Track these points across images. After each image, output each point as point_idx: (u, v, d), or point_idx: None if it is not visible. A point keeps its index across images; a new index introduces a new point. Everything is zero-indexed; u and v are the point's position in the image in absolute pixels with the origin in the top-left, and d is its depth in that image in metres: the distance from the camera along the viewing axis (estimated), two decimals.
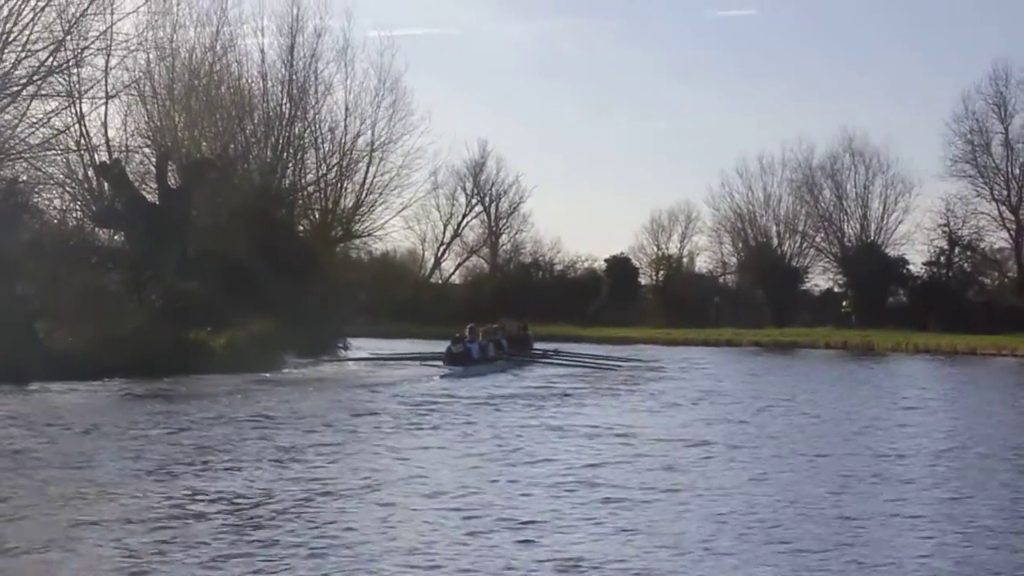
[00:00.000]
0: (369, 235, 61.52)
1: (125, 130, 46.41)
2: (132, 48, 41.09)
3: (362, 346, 49.68)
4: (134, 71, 44.48)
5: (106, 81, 40.81)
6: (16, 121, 36.05)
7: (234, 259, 43.40)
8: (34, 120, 36.69)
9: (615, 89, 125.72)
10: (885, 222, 75.78)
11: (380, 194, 58.66)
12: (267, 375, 34.19)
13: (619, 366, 42.20)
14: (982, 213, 70.99)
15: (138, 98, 46.08)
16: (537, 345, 48.93)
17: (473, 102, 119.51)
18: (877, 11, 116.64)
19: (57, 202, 42.98)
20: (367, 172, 57.80)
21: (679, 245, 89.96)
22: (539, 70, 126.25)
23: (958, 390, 35.46)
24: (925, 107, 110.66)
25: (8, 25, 34.02)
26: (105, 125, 44.30)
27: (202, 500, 13.20)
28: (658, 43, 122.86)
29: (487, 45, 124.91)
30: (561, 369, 40.75)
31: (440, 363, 38.71)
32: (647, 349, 57.38)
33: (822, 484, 15.31)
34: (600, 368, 41.43)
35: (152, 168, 45.86)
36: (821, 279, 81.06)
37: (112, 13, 38.56)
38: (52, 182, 41.11)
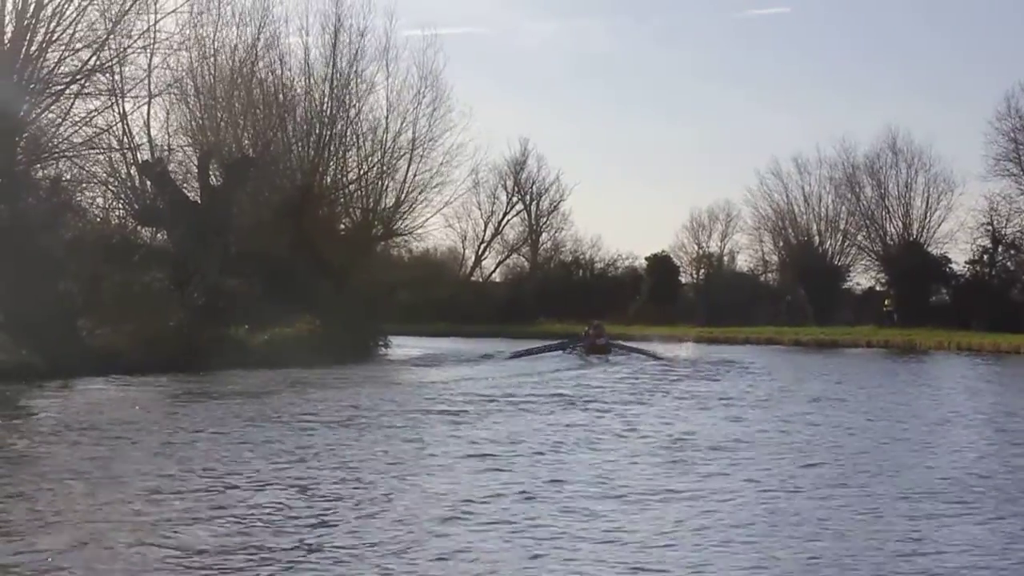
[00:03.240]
0: (410, 233, 61.50)
1: (167, 129, 46.77)
2: (174, 47, 41.29)
3: (403, 344, 49.78)
4: (176, 70, 44.77)
5: (149, 80, 41.11)
6: (59, 120, 36.33)
7: (276, 258, 43.57)
8: (77, 119, 36.95)
9: (652, 87, 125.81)
10: (928, 220, 75.39)
11: (421, 192, 58.61)
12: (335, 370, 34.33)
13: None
14: None
15: (180, 97, 46.34)
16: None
17: (512, 101, 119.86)
18: (914, 7, 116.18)
19: (100, 201, 43.41)
20: (408, 170, 57.79)
21: (719, 244, 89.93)
22: (576, 69, 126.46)
23: None
24: (967, 105, 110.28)
25: (52, 24, 34.25)
26: (148, 124, 44.67)
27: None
28: (693, 42, 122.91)
29: (523, 44, 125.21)
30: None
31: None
32: (695, 348, 57.22)
33: None
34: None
35: (194, 167, 46.08)
36: (863, 278, 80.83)
37: (155, 12, 38.76)
38: (95, 181, 41.46)
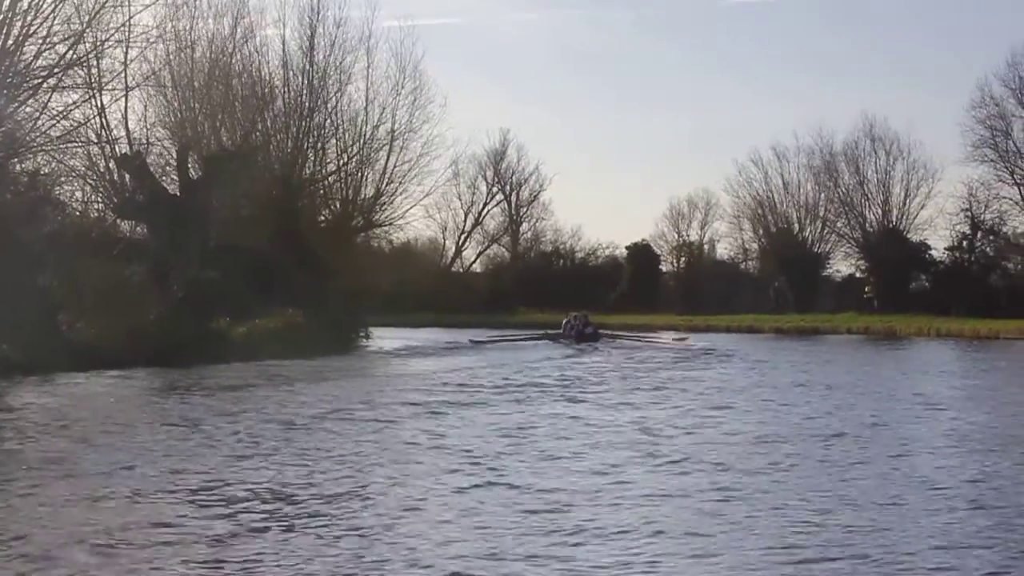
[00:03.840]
0: (390, 224, 61.48)
1: (145, 122, 46.55)
2: (151, 40, 41.11)
3: (384, 336, 49.76)
4: (154, 63, 44.61)
5: (126, 73, 40.89)
6: (37, 114, 36.12)
7: (255, 250, 43.50)
8: (55, 113, 36.75)
9: (632, 77, 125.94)
10: (907, 207, 75.72)
11: (400, 183, 58.61)
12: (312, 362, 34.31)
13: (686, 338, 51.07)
14: (1004, 198, 70.82)
15: (158, 90, 46.18)
16: None
17: (492, 91, 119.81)
18: None
19: (79, 194, 43.21)
20: (387, 161, 57.76)
21: (699, 232, 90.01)
22: (555, 59, 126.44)
23: None
24: (946, 92, 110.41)
25: (29, 18, 34.09)
26: (125, 117, 44.45)
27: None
28: (673, 31, 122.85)
29: (502, 34, 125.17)
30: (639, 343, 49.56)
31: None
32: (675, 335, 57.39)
33: None
34: (663, 347, 48.60)
35: (173, 160, 45.91)
36: (843, 265, 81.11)
37: (130, 5, 38.56)
38: (73, 174, 41.27)
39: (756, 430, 18.94)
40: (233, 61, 51.17)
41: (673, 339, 51.59)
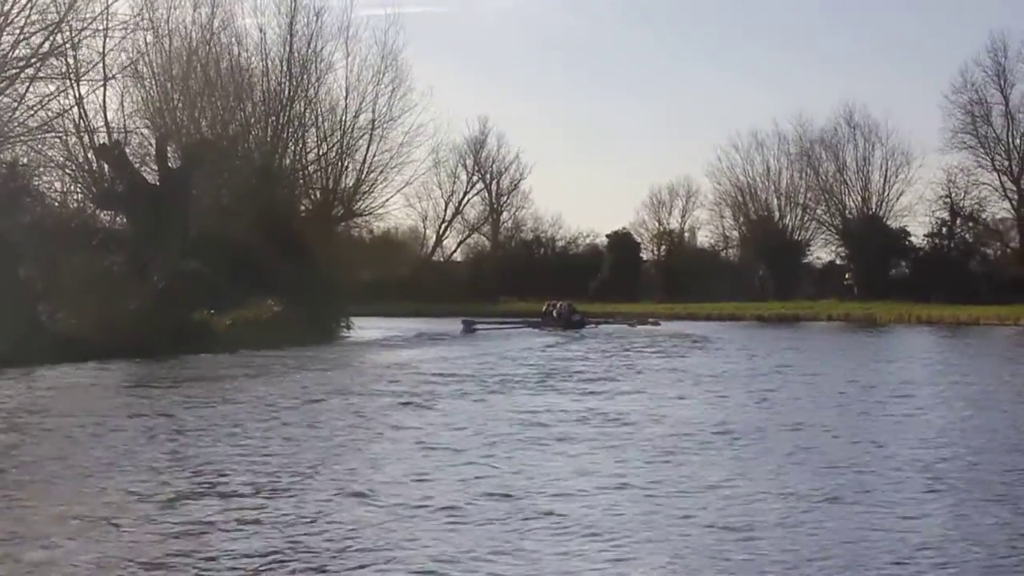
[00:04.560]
0: (370, 213, 61.57)
1: (123, 112, 46.39)
2: (129, 29, 40.95)
3: (365, 325, 49.70)
4: (131, 52, 44.41)
5: (103, 63, 40.71)
6: (15, 104, 35.95)
7: (236, 240, 43.36)
8: (32, 103, 36.60)
9: (612, 63, 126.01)
10: (886, 194, 75.96)
11: (381, 172, 58.71)
12: (299, 352, 34.20)
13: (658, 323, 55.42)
14: (983, 184, 71.11)
15: (136, 79, 46.01)
16: None
17: (471, 80, 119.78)
18: None
19: (58, 185, 43.07)
20: (368, 150, 57.82)
21: (680, 220, 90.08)
22: (533, 47, 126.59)
23: None
24: (925, 77, 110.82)
25: (6, 7, 33.90)
26: (104, 107, 44.31)
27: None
28: (653, 17, 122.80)
29: (480, 21, 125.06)
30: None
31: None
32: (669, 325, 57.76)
33: None
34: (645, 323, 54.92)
35: (152, 149, 45.75)
36: (823, 252, 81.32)
37: None
38: (52, 165, 41.15)
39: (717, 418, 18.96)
40: (212, 50, 51.02)
41: (644, 322, 55.53)
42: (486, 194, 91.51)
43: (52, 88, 37.79)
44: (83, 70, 39.78)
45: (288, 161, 54.58)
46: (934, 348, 41.18)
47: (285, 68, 54.77)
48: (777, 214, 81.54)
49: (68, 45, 37.03)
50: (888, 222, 74.95)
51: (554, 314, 54.63)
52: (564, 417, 18.88)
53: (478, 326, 51.01)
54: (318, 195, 57.80)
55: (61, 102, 39.38)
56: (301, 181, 56.52)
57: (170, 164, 44.65)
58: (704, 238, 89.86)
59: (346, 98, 57.35)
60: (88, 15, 37.12)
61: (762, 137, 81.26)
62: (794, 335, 49.70)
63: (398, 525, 10.85)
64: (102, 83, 42.37)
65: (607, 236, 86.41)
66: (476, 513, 11.32)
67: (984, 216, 72.15)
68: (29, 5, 34.41)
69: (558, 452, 15.25)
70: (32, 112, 36.66)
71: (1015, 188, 69.97)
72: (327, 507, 11.58)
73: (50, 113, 37.98)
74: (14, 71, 35.12)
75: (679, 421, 18.40)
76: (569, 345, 41.50)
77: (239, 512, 11.35)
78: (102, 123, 44.25)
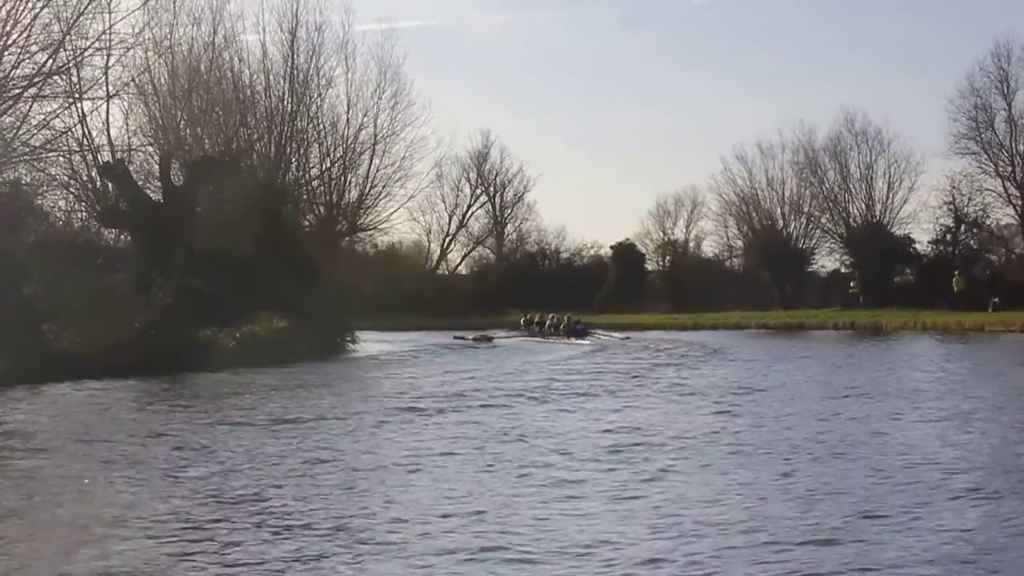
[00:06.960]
0: (374, 228, 61.63)
1: (127, 130, 46.52)
2: (129, 46, 40.96)
3: (370, 339, 49.67)
4: (134, 70, 44.44)
5: (106, 81, 40.70)
6: (18, 123, 35.98)
7: (240, 256, 43.39)
8: (36, 122, 36.61)
9: (613, 75, 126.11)
10: (890, 201, 75.67)
11: (384, 187, 58.78)
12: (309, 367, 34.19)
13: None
14: (987, 190, 70.76)
15: (139, 97, 46.08)
16: None
17: (473, 93, 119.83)
18: None
19: (62, 203, 43.19)
20: (370, 165, 57.92)
21: (685, 230, 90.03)
22: (532, 59, 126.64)
23: None
24: (928, 84, 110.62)
25: (7, 27, 33.93)
26: (107, 125, 44.37)
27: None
28: (653, 28, 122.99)
29: (479, 35, 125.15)
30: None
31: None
32: (662, 334, 57.68)
33: None
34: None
35: (155, 167, 45.81)
36: (828, 260, 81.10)
37: (110, 12, 38.40)
38: (56, 184, 41.18)
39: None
40: (214, 67, 51.12)
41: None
42: (490, 207, 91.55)
43: (55, 107, 37.84)
44: (86, 88, 39.85)
45: (291, 177, 54.67)
46: (951, 357, 40.32)
47: (287, 84, 54.91)
48: (781, 223, 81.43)
49: (71, 64, 37.06)
50: (892, 229, 74.78)
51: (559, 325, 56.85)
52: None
53: (491, 339, 52.43)
54: (321, 210, 57.87)
55: (64, 121, 39.40)
56: (304, 197, 56.60)
57: (173, 181, 44.73)
58: (709, 248, 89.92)
59: (348, 113, 57.48)
60: (91, 33, 37.19)
61: (766, 146, 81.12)
62: (807, 344, 49.41)
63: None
64: (105, 101, 42.42)
65: (611, 247, 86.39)
66: None
67: (988, 222, 72.00)
68: (31, 24, 34.47)
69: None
70: (35, 131, 36.68)
71: (1019, 194, 69.76)
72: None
73: (53, 132, 38.01)
74: (17, 90, 35.17)
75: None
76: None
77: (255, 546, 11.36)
78: (105, 141, 44.37)
